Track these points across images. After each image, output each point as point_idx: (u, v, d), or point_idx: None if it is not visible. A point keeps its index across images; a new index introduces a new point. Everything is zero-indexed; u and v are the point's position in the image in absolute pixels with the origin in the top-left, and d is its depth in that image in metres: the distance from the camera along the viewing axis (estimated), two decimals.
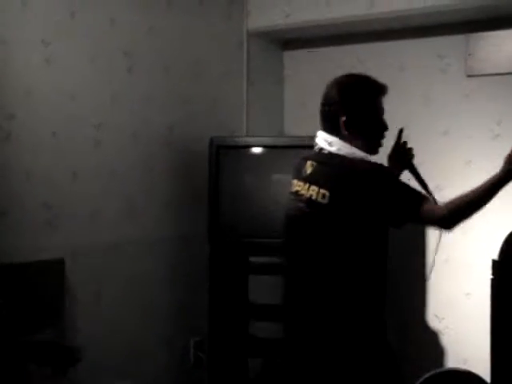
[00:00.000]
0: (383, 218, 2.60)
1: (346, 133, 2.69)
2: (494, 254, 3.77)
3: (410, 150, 2.95)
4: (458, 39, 4.49)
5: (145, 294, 4.10)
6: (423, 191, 2.80)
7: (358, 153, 2.67)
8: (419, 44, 4.64)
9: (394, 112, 4.60)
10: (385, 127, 2.78)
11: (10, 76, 3.34)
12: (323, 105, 2.80)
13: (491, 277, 3.46)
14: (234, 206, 4.14)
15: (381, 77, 4.71)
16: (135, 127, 4.02)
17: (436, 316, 4.62)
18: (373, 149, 2.76)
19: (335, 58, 4.93)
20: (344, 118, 2.69)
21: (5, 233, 3.31)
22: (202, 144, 4.20)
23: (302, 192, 2.71)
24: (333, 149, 2.69)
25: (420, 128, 4.60)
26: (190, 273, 4.33)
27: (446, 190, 4.46)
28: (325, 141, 2.72)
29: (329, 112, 2.75)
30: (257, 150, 4.21)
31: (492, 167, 4.34)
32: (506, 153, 4.28)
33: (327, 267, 2.61)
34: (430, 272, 4.14)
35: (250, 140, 4.35)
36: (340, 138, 2.70)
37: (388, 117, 4.61)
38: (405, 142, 2.97)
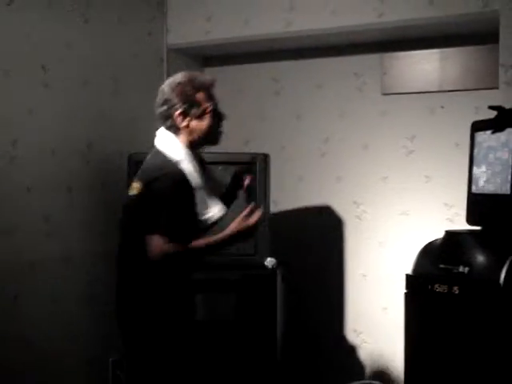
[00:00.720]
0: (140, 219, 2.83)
1: (184, 124, 2.88)
2: (409, 269, 3.85)
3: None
4: (373, 58, 4.60)
5: (62, 312, 4.04)
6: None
7: (171, 150, 2.87)
8: (336, 62, 4.73)
9: (312, 126, 4.76)
10: (220, 116, 3.01)
11: None
12: (160, 106, 2.93)
13: (405, 291, 3.52)
14: None
15: (299, 93, 4.84)
16: (53, 143, 3.97)
17: (354, 330, 4.68)
18: (213, 139, 3.02)
19: (254, 75, 4.99)
20: (178, 112, 2.86)
21: None
22: (120, 160, 4.16)
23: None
24: (156, 142, 2.95)
25: (339, 143, 4.71)
26: (108, 289, 4.27)
27: (364, 205, 4.62)
28: (157, 136, 2.96)
29: (165, 110, 2.90)
30: None
31: (406, 183, 4.51)
32: (419, 169, 4.46)
33: (129, 258, 2.94)
34: None
35: None
36: (173, 133, 2.91)
37: (306, 129, 4.72)
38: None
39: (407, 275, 3.55)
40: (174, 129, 2.91)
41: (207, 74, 3.00)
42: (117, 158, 4.29)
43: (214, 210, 2.94)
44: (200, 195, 2.90)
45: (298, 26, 4.39)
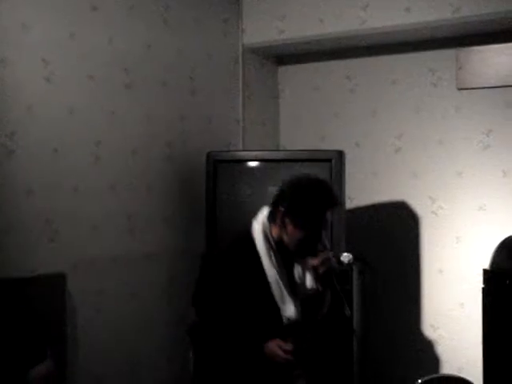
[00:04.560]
0: None
1: (278, 223, 2.91)
2: (486, 264, 3.84)
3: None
4: (448, 53, 4.58)
5: (145, 307, 4.15)
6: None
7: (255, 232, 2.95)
8: (411, 58, 4.74)
9: (387, 122, 4.77)
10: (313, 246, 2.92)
11: (12, 94, 3.41)
12: (276, 190, 2.99)
13: (482, 286, 3.51)
14: (232, 220, 4.17)
15: (373, 90, 4.86)
16: (134, 143, 4.08)
17: (431, 325, 4.68)
18: (295, 252, 2.94)
19: (328, 73, 5.03)
20: (282, 209, 2.88)
21: (6, 248, 3.36)
22: (199, 159, 4.27)
23: None
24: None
25: (413, 138, 4.71)
26: (188, 286, 4.37)
27: (439, 201, 4.60)
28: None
29: (276, 195, 2.96)
30: (253, 163, 4.26)
31: (482, 178, 4.48)
32: (495, 164, 4.42)
33: None
34: None
35: (247, 154, 4.39)
36: (270, 220, 2.96)
37: (381, 126, 4.73)
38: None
39: (485, 270, 3.54)
40: (272, 217, 2.97)
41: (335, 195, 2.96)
42: (195, 156, 4.39)
43: (290, 310, 2.94)
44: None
45: (373, 23, 4.41)
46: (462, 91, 4.55)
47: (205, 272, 3.14)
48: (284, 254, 2.97)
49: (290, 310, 2.93)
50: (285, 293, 2.92)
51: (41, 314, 3.33)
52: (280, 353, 2.84)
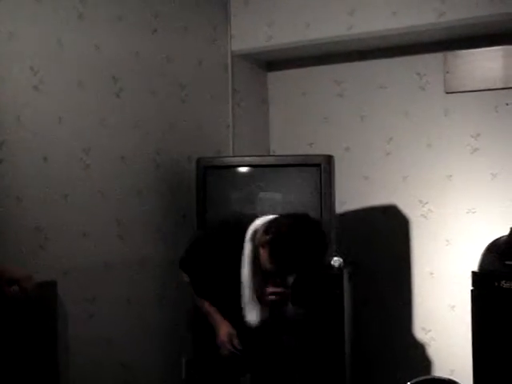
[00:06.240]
0: None
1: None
2: (476, 266, 3.86)
3: None
4: (436, 57, 4.61)
5: (136, 313, 4.15)
6: None
7: (244, 229, 3.06)
8: (399, 62, 4.76)
9: (376, 126, 4.80)
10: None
11: (0, 103, 3.42)
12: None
13: (471, 288, 3.53)
14: None
15: (362, 94, 4.89)
16: (124, 150, 4.09)
17: (422, 328, 4.70)
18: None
19: (317, 78, 5.05)
20: (263, 239, 2.97)
21: None
22: (189, 165, 4.28)
23: None
24: None
25: (403, 142, 4.73)
26: (179, 292, 4.38)
27: (429, 204, 4.63)
28: None
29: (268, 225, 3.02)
30: (243, 169, 4.27)
31: (471, 181, 4.50)
32: (484, 167, 4.45)
33: None
34: None
35: (236, 160, 4.41)
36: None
37: (370, 130, 4.75)
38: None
39: (473, 272, 3.56)
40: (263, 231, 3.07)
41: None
42: (185, 162, 4.41)
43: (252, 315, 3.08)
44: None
45: (360, 28, 4.43)
46: (450, 95, 4.58)
47: (195, 243, 3.27)
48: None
49: (251, 315, 3.07)
50: (251, 298, 3.05)
51: (32, 321, 3.34)
52: (227, 342, 3.09)
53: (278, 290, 3.06)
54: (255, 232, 3.05)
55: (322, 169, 4.07)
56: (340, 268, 4.17)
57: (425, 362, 4.64)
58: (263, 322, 3.10)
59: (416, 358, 4.68)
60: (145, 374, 4.21)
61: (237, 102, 4.99)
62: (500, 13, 4.00)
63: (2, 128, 3.42)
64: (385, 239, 4.81)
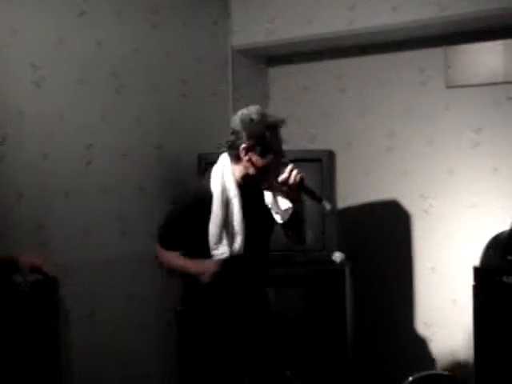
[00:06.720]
0: None
1: (246, 158, 2.99)
2: (477, 261, 3.86)
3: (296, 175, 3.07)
4: (437, 52, 4.61)
5: (138, 309, 4.15)
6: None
7: (216, 177, 3.05)
8: (400, 57, 4.76)
9: (377, 121, 4.80)
10: (282, 156, 3.06)
11: (1, 100, 3.41)
12: (229, 134, 3.05)
13: (473, 283, 3.53)
14: None
15: (363, 89, 4.88)
16: (125, 146, 4.09)
17: (424, 323, 4.70)
18: (268, 177, 3.05)
19: (318, 73, 5.05)
20: (244, 145, 2.97)
21: None
22: (190, 161, 4.28)
23: None
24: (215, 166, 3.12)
25: (404, 137, 4.73)
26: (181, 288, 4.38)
27: (431, 199, 4.63)
28: (219, 159, 3.13)
29: (232, 141, 3.03)
30: None
31: (473, 176, 4.50)
32: (486, 162, 4.45)
33: None
34: None
35: None
36: (234, 162, 3.05)
37: (371, 125, 4.75)
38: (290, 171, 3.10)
39: (475, 268, 3.56)
40: (236, 159, 3.04)
41: (278, 116, 3.10)
42: (186, 158, 4.40)
43: (221, 250, 3.05)
44: (214, 228, 3.03)
45: (361, 23, 4.43)
46: (451, 89, 4.58)
47: (168, 217, 3.24)
48: (248, 194, 3.09)
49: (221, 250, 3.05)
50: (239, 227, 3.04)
51: (33, 318, 3.34)
52: (210, 266, 3.03)
53: (287, 169, 3.01)
54: (227, 170, 3.05)
55: (323, 164, 4.07)
56: (342, 263, 4.18)
57: (426, 357, 4.65)
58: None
59: (418, 352, 4.68)
60: (146, 370, 4.22)
61: (237, 97, 4.98)
62: (501, 7, 4.00)
63: (4, 124, 3.42)
64: (386, 234, 4.81)
